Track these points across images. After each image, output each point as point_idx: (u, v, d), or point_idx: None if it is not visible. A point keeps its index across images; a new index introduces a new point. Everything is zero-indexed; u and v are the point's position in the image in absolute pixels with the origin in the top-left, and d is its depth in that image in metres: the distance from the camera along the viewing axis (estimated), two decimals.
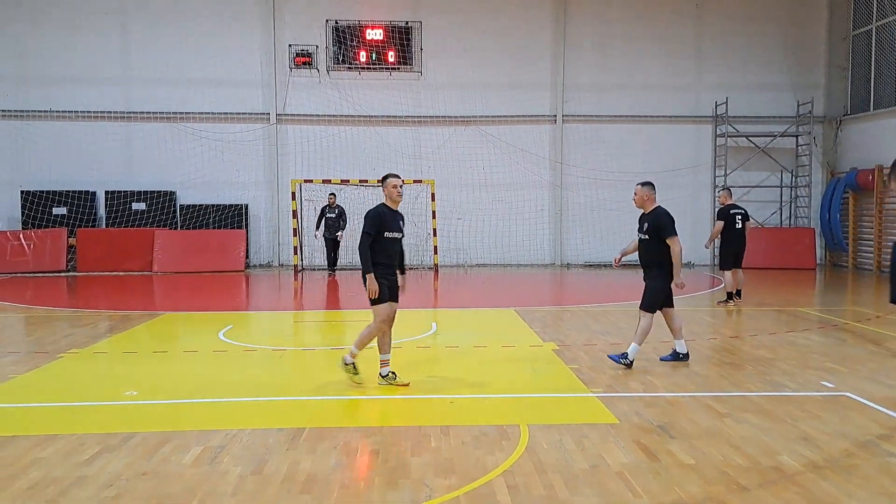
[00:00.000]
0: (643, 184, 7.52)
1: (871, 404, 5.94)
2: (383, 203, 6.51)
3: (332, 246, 17.04)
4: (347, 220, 16.98)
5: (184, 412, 6.05)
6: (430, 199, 18.04)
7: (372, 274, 6.31)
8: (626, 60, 19.17)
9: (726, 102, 18.96)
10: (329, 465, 4.68)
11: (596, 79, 19.20)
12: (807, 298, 13.26)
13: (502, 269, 18.57)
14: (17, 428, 5.51)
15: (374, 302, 6.42)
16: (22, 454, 4.88)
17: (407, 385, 6.58)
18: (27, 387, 6.81)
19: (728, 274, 11.73)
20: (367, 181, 17.94)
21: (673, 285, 7.29)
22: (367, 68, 18.73)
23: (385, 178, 6.58)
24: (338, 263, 17.25)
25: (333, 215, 16.72)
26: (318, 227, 16.98)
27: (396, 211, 6.52)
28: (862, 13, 18.80)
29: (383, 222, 6.35)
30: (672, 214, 7.36)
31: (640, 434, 5.23)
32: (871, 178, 17.70)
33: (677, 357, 7.53)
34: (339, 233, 16.77)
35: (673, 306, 7.50)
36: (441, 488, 4.27)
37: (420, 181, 18.15)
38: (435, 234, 18.11)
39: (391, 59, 18.67)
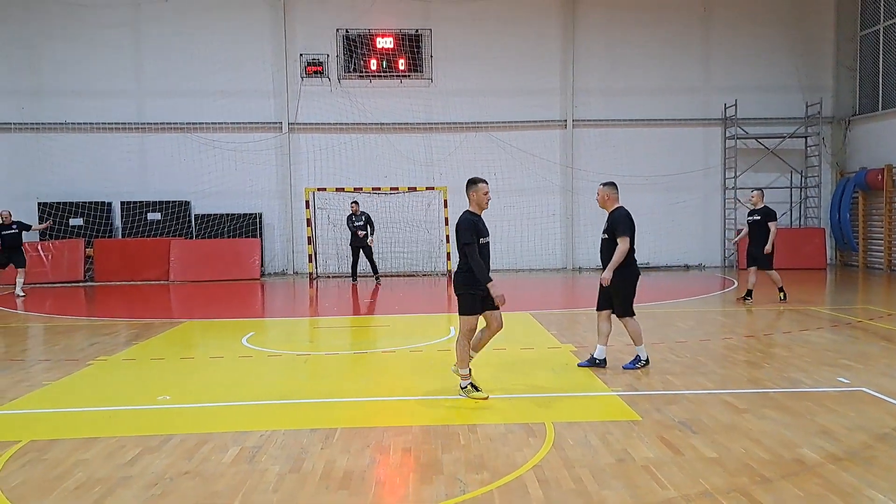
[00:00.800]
0: (604, 184, 7.49)
1: (888, 398, 6.08)
2: (468, 210, 6.34)
3: (367, 253, 16.60)
4: (374, 225, 16.79)
5: (217, 414, 6.24)
6: (443, 206, 18.23)
7: (493, 281, 6.16)
8: (635, 64, 19.34)
9: (735, 105, 19.09)
10: (364, 463, 4.85)
11: (605, 83, 19.37)
12: (819, 297, 13.36)
13: (515, 273, 18.72)
14: (58, 432, 5.69)
15: (463, 312, 6.30)
16: (65, 456, 5.07)
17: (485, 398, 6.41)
18: (62, 392, 7.02)
19: (775, 273, 12.04)
20: (379, 189, 18.20)
21: (601, 277, 7.22)
22: (378, 76, 18.97)
23: (474, 182, 6.37)
24: (378, 269, 16.92)
25: (360, 223, 16.43)
26: (351, 230, 16.58)
27: (480, 216, 6.39)
28: (869, 13, 18.91)
29: (478, 228, 6.20)
30: (632, 217, 7.25)
31: (662, 430, 5.38)
32: (880, 177, 17.78)
33: (594, 363, 7.42)
34: (370, 238, 16.46)
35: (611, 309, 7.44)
36: (474, 483, 4.44)
37: (432, 188, 18.37)
38: (448, 241, 18.29)
39: (402, 67, 18.90)
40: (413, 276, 18.26)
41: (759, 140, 19.40)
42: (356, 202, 16.80)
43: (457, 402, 6.39)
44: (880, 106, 18.49)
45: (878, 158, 18.13)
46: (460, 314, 6.37)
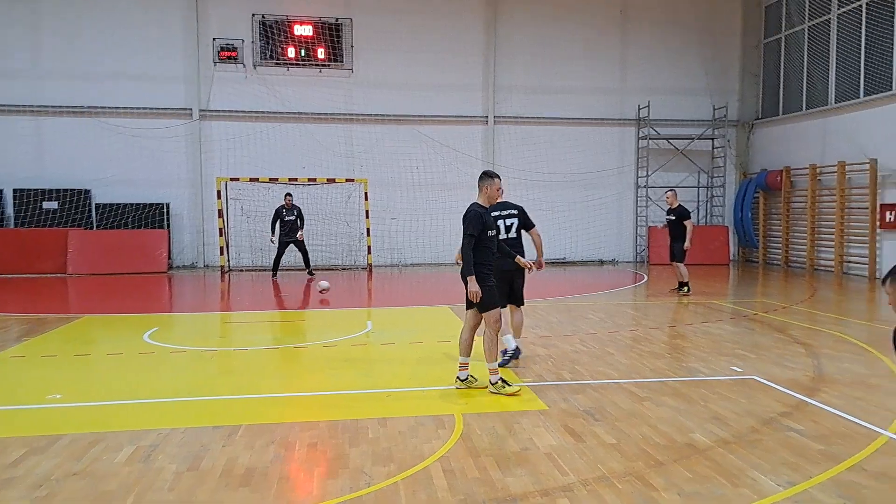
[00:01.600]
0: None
1: (775, 386, 6.43)
2: (477, 202, 6.37)
3: (299, 247, 16.13)
4: (305, 219, 16.25)
5: (112, 414, 5.93)
6: (363, 199, 18.05)
7: (474, 276, 6.11)
8: (556, 63, 19.72)
9: (648, 106, 19.79)
10: (267, 459, 4.72)
11: (527, 81, 19.65)
12: (721, 292, 14.02)
13: (436, 268, 18.73)
14: None
15: (484, 307, 6.23)
16: None
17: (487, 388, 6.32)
18: None
19: (683, 267, 12.84)
20: (296, 180, 17.78)
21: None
22: (297, 65, 18.56)
23: (490, 177, 6.40)
24: (311, 263, 16.49)
25: (292, 217, 15.89)
26: (273, 232, 16.00)
27: (488, 208, 6.43)
28: (772, 22, 19.99)
29: (485, 221, 6.24)
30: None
31: (567, 419, 5.51)
32: (779, 178, 18.88)
33: (507, 353, 7.35)
34: (300, 232, 15.92)
35: (513, 305, 7.49)
36: (380, 475, 4.40)
37: (352, 180, 18.13)
38: (368, 234, 18.13)
39: (321, 56, 18.56)
40: (332, 269, 17.98)
41: (670, 141, 20.20)
42: (290, 195, 16.19)
43: (368, 396, 6.33)
44: (781, 111, 19.60)
45: (778, 161, 19.23)
46: (481, 310, 6.28)
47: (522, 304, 7.57)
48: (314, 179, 17.89)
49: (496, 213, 7.34)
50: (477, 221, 6.18)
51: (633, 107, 20.16)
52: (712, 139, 20.51)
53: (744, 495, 4.04)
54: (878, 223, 15.69)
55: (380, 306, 12.83)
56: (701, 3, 20.28)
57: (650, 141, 20.10)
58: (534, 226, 7.60)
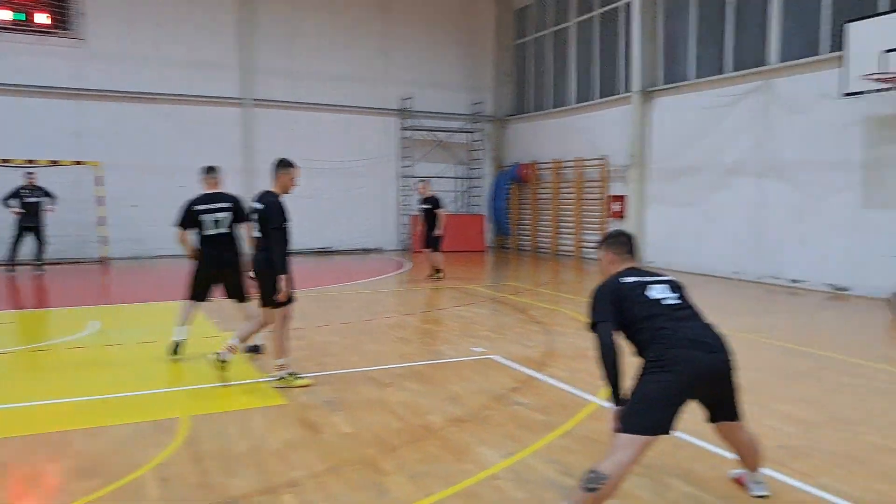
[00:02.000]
0: None
1: (511, 363, 6.82)
2: (272, 191, 5.93)
3: (37, 236, 14.23)
4: (53, 196, 14.47)
5: None
6: (96, 184, 16.09)
7: (285, 276, 5.79)
8: (318, 50, 19.34)
9: (410, 98, 20.26)
10: None
11: (288, 65, 18.99)
12: (475, 276, 14.80)
13: (182, 259, 17.29)
14: None
15: (279, 304, 5.91)
16: None
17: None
18: None
19: (439, 255, 13.50)
20: (9, 161, 15.25)
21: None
22: (11, 30, 15.96)
23: (289, 165, 5.99)
24: (43, 254, 14.40)
25: (34, 199, 13.99)
26: (7, 205, 14.01)
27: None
28: (522, 25, 21.56)
29: (287, 213, 5.91)
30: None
31: (305, 412, 5.28)
32: (527, 171, 20.51)
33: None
34: (51, 207, 14.31)
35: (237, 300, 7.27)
36: (80, 492, 3.81)
37: (81, 163, 16.06)
38: (103, 223, 16.21)
39: (42, 22, 16.16)
40: (59, 263, 15.76)
41: (432, 132, 20.91)
42: (33, 173, 14.22)
43: (81, 404, 5.53)
44: (530, 108, 21.25)
45: (528, 155, 20.86)
46: (275, 307, 5.94)
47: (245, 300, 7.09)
48: (33, 161, 15.47)
49: (202, 207, 6.87)
50: (284, 213, 5.86)
51: (395, 97, 20.49)
52: (470, 132, 21.63)
53: (467, 470, 4.14)
54: (608, 212, 17.73)
55: (111, 303, 11.49)
56: (458, 2, 21.22)
57: (412, 132, 20.62)
58: (248, 220, 6.73)
